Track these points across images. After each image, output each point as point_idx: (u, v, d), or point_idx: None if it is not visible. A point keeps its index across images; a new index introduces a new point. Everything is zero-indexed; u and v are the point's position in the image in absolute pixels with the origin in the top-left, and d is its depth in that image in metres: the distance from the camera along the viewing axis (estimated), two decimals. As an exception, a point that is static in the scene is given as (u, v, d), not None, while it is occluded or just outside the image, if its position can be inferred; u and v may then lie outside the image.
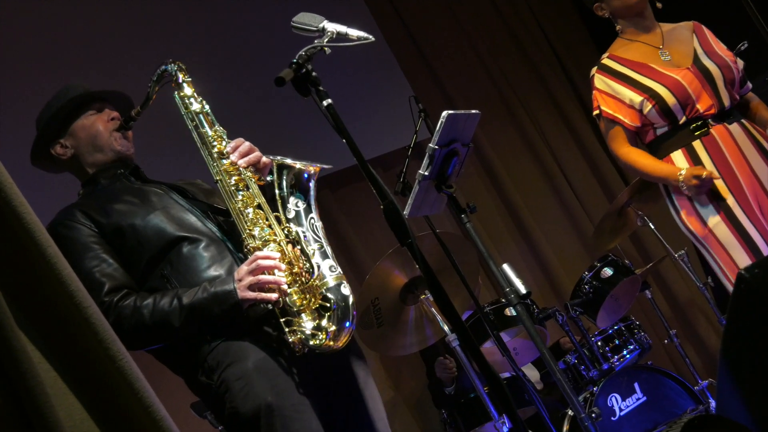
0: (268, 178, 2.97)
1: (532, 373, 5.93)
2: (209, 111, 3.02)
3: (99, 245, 2.90)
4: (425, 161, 2.96)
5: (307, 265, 2.80)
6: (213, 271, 2.87)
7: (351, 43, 2.65)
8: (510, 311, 4.92)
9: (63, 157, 3.15)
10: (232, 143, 2.97)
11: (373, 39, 2.66)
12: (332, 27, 2.66)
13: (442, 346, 5.59)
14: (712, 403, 4.93)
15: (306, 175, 2.97)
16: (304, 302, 2.75)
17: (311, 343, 2.71)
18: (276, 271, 2.75)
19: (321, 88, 2.56)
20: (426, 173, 2.96)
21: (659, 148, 3.98)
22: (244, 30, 6.14)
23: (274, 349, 2.79)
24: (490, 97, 7.41)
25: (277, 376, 2.77)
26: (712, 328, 7.10)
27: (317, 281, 2.77)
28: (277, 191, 2.93)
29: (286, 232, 2.85)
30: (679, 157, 3.91)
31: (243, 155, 2.94)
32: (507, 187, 7.16)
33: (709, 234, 3.85)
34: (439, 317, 4.31)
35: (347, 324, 2.77)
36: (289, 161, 2.93)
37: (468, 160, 3.07)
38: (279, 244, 2.81)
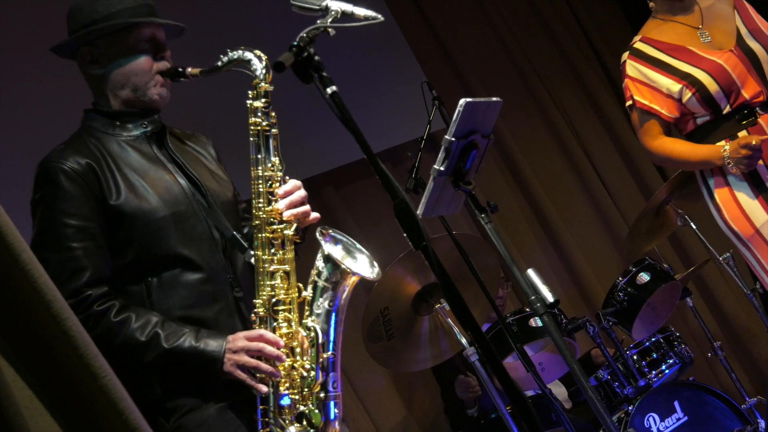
0: (319, 263, 2.94)
1: (559, 391, 5.92)
2: (277, 135, 2.95)
3: (95, 218, 2.85)
4: (440, 155, 2.96)
5: (312, 373, 2.83)
6: (198, 311, 2.88)
7: (357, 23, 2.65)
8: (535, 322, 4.91)
9: (90, 71, 3.05)
10: (287, 186, 2.94)
11: (381, 18, 2.66)
12: (336, 5, 2.65)
13: (461, 363, 5.58)
14: (761, 424, 4.92)
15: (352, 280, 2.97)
16: (290, 398, 2.80)
17: None
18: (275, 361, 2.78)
19: (325, 73, 2.56)
20: (441, 168, 2.96)
21: (700, 140, 3.96)
22: (238, 9, 6.15)
23: (241, 395, 2.81)
24: (512, 82, 7.40)
25: (243, 426, 2.81)
26: (761, 339, 7.08)
27: (313, 390, 2.82)
28: (314, 277, 2.94)
29: (305, 325, 2.87)
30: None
31: (291, 206, 2.92)
32: (531, 183, 7.16)
33: (755, 235, 3.84)
34: (456, 329, 4.31)
35: None
36: (337, 257, 2.92)
37: (488, 153, 3.07)
38: (291, 327, 2.84)
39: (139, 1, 3.03)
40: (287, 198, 2.91)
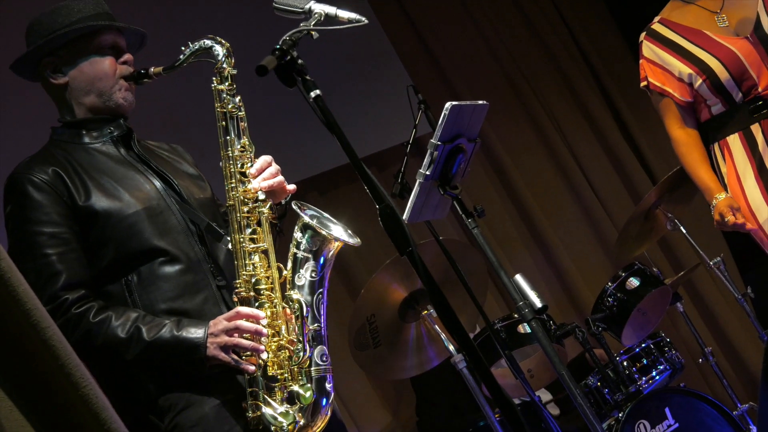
0: (296, 234, 2.95)
1: (545, 397, 5.92)
2: (244, 117, 2.98)
3: (67, 223, 2.87)
4: (426, 159, 2.96)
5: (299, 345, 2.82)
6: (182, 302, 2.88)
7: (341, 26, 2.66)
8: (524, 328, 4.92)
9: (53, 81, 3.06)
10: (258, 163, 2.96)
11: (366, 21, 2.67)
12: (320, 8, 2.66)
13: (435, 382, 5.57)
14: (753, 430, 4.93)
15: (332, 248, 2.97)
16: (279, 378, 2.79)
17: (271, 428, 2.73)
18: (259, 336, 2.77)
19: (308, 77, 2.57)
20: (427, 173, 2.96)
21: (714, 130, 3.97)
22: (219, 13, 6.14)
23: (236, 391, 2.81)
24: (498, 85, 7.41)
25: (238, 425, 2.80)
26: (752, 344, 7.10)
27: (302, 365, 2.81)
28: (293, 249, 2.94)
29: (288, 297, 2.87)
30: (735, 142, 3.92)
31: (266, 179, 2.94)
32: (519, 187, 7.16)
33: (758, 230, 3.87)
34: (443, 336, 4.31)
35: (318, 422, 2.82)
36: (315, 223, 2.93)
37: (475, 157, 3.07)
38: (274, 306, 2.83)
39: (99, 9, 3.07)
40: (260, 176, 2.94)
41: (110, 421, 1.54)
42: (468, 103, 2.98)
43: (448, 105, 2.91)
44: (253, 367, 2.75)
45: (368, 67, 6.68)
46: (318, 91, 2.55)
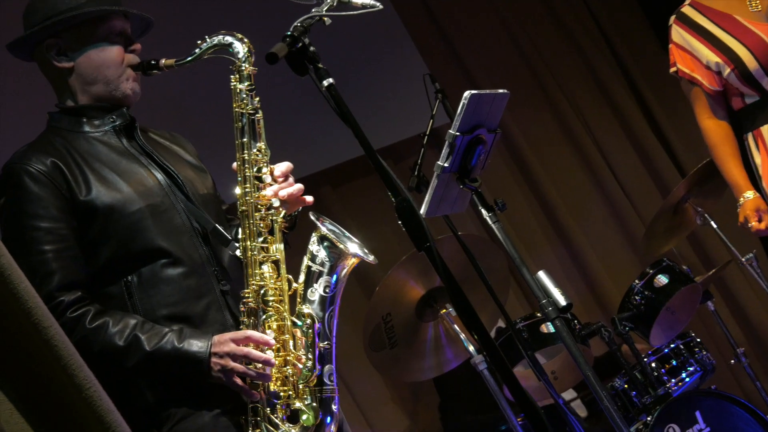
0: (312, 247, 2.95)
1: (571, 398, 5.91)
2: (261, 119, 2.97)
3: (65, 218, 2.85)
4: (444, 151, 2.96)
5: (309, 363, 2.82)
6: (184, 308, 2.87)
7: (355, 12, 2.66)
8: (547, 327, 4.91)
9: (57, 64, 3.04)
10: (282, 166, 2.98)
11: (380, 6, 2.67)
12: (333, -7, 2.66)
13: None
14: (788, 434, 4.92)
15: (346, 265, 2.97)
16: (282, 395, 2.79)
17: None
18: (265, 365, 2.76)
19: (320, 65, 2.57)
20: (446, 165, 2.96)
21: (747, 119, 3.96)
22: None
23: (236, 400, 2.81)
24: (520, 74, 7.39)
25: None
26: (787, 345, 7.08)
27: (309, 383, 2.81)
28: (308, 262, 2.94)
29: (299, 311, 2.87)
30: (769, 134, 3.91)
31: (285, 187, 2.94)
32: (541, 180, 7.15)
33: None
34: (463, 335, 4.31)
35: None
36: (333, 237, 2.92)
37: (495, 149, 3.07)
38: (282, 319, 2.83)
39: None
40: (276, 185, 2.94)
41: (115, 425, 1.54)
42: (488, 91, 2.97)
43: (467, 94, 2.90)
44: (257, 395, 2.75)
45: (383, 55, 6.68)
46: (331, 80, 2.55)
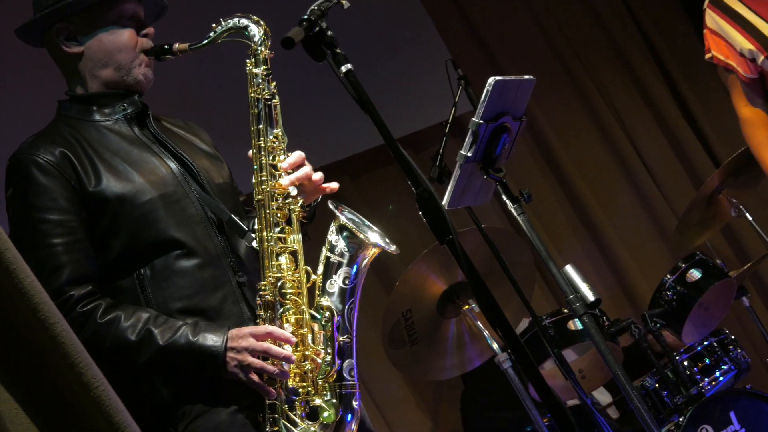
0: (331, 237, 2.94)
1: (603, 399, 5.91)
2: (278, 105, 2.97)
3: (74, 210, 2.85)
4: (468, 139, 2.95)
5: (328, 358, 2.81)
6: (199, 301, 2.87)
7: (374, -5, 2.65)
8: (575, 324, 4.90)
9: (66, 49, 3.04)
10: (291, 158, 2.95)
11: (400, -11, 2.66)
12: (351, -25, 2.65)
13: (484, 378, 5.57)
14: (827, 436, 4.90)
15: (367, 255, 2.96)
16: (300, 392, 2.78)
17: None
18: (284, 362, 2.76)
19: (338, 50, 2.56)
20: (469, 154, 2.95)
21: None
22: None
23: (253, 397, 2.80)
24: (546, 60, 7.37)
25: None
26: (825, 343, 7.04)
27: (329, 378, 2.80)
28: (326, 252, 2.94)
29: (318, 303, 2.87)
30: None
31: (298, 178, 2.93)
32: (569, 170, 7.13)
33: None
34: (486, 333, 4.30)
35: None
36: (352, 226, 2.92)
37: (521, 138, 3.06)
38: (300, 312, 2.82)
39: None
40: (293, 174, 2.92)
41: (124, 425, 1.54)
42: (513, 77, 2.97)
43: (491, 80, 2.90)
44: (274, 393, 2.75)
45: (403, 40, 6.66)
46: (349, 66, 2.54)
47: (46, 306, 1.54)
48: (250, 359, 2.73)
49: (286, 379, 2.75)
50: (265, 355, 2.73)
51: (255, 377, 2.74)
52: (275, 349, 2.73)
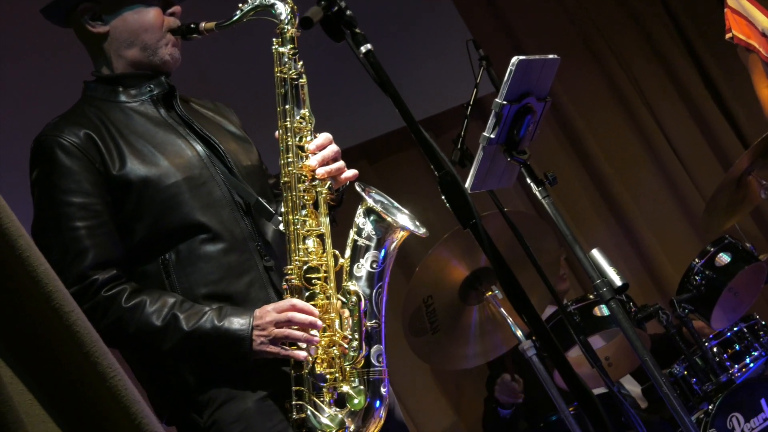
0: (358, 220, 2.93)
1: (632, 388, 5.89)
2: (305, 84, 2.96)
3: (98, 193, 2.85)
4: (491, 121, 2.94)
5: (355, 344, 2.80)
6: (225, 286, 2.86)
7: (394, -27, 2.64)
8: (601, 310, 4.88)
9: (91, 29, 3.03)
10: (318, 140, 2.93)
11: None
12: (370, -48, 2.64)
13: (510, 362, 5.56)
14: None
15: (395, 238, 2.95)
16: (328, 378, 2.77)
17: None
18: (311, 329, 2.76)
19: (358, 30, 2.55)
20: (492, 136, 2.95)
21: None
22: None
23: (281, 385, 2.80)
24: (570, 39, 7.36)
25: (284, 420, 2.79)
26: None
27: (356, 364, 2.80)
28: (354, 236, 2.92)
29: (345, 288, 2.86)
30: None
31: (324, 162, 2.91)
32: (594, 153, 7.12)
33: None
34: (510, 320, 4.29)
35: (371, 427, 2.81)
36: (380, 208, 2.90)
37: (544, 119, 3.05)
38: (327, 297, 2.82)
39: None
40: (320, 153, 2.90)
41: (141, 416, 1.54)
42: (537, 57, 2.96)
43: (514, 59, 2.89)
44: (303, 353, 2.72)
45: (423, 20, 6.65)
46: (369, 46, 2.53)
47: (61, 294, 1.54)
48: (276, 331, 2.72)
49: (314, 344, 2.74)
50: (288, 325, 2.73)
51: (280, 350, 2.74)
52: (299, 315, 2.73)
